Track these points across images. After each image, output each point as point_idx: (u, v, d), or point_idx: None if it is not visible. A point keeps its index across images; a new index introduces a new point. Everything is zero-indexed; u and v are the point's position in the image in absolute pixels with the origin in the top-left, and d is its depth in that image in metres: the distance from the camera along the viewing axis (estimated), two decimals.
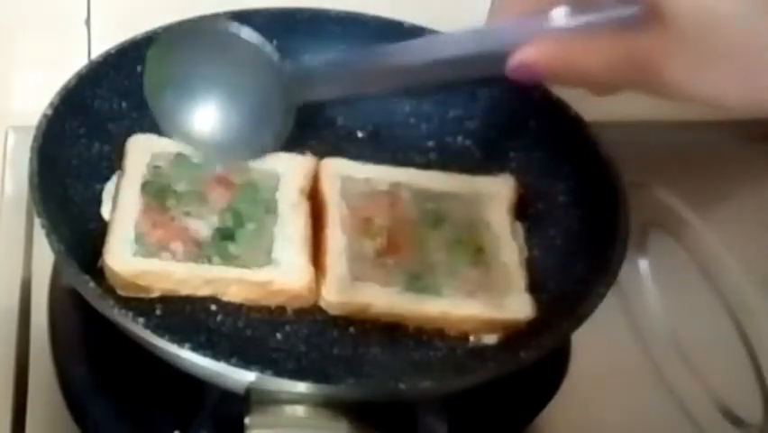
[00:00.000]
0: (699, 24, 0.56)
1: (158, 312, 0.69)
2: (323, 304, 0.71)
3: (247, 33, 0.71)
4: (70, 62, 0.77)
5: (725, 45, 0.56)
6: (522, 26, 0.63)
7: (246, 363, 0.61)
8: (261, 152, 0.75)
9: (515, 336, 0.70)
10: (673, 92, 0.58)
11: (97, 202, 0.74)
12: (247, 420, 0.61)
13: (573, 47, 0.61)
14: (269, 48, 0.71)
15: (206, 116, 0.73)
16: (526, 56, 0.62)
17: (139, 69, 0.77)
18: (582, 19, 0.62)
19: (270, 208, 0.74)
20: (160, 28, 0.78)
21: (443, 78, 0.71)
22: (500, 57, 0.63)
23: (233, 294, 0.70)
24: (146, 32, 0.78)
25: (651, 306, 0.83)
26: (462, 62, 0.66)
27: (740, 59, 0.56)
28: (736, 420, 0.77)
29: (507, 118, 0.80)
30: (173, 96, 0.73)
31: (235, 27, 0.71)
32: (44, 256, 0.75)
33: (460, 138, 0.81)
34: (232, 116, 0.73)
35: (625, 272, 0.70)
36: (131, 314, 0.62)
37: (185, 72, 0.73)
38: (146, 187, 0.73)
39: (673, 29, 0.57)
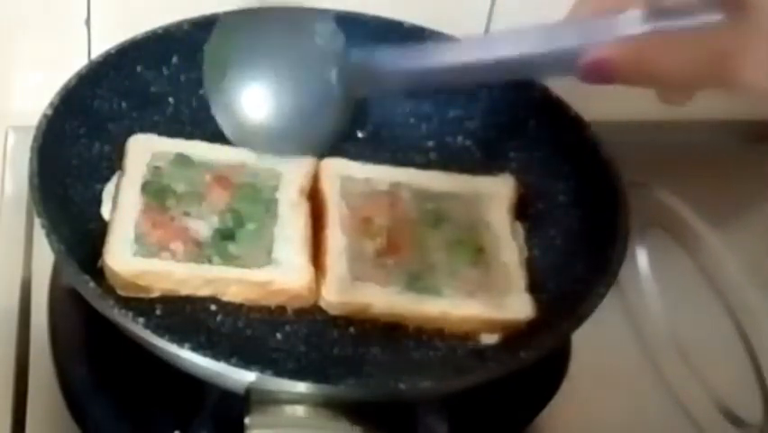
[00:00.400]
0: None
1: (158, 312, 0.69)
2: (323, 304, 0.71)
3: (316, 22, 0.69)
4: (70, 62, 0.77)
5: None
6: (596, 25, 0.61)
7: (246, 363, 0.61)
8: (318, 146, 0.75)
9: (515, 336, 0.70)
10: (752, 88, 0.57)
11: (97, 202, 0.74)
12: (247, 420, 0.61)
13: (650, 46, 0.60)
14: (335, 37, 0.70)
15: (265, 106, 0.73)
16: (602, 54, 0.60)
17: (139, 68, 0.78)
18: (659, 24, 0.60)
19: (270, 208, 0.74)
20: (160, 28, 0.78)
21: (508, 75, 0.69)
22: (572, 56, 0.61)
23: (233, 294, 0.70)
24: (146, 32, 0.78)
25: (651, 306, 0.83)
26: (531, 61, 0.64)
27: None
28: (735, 420, 0.77)
29: (508, 118, 0.80)
30: (232, 82, 0.73)
31: (305, 14, 0.70)
32: (44, 256, 0.75)
33: (460, 138, 0.81)
34: (291, 107, 0.72)
35: (625, 272, 0.70)
36: (131, 314, 0.62)
37: (246, 59, 0.72)
38: (146, 187, 0.73)
39: (754, 23, 0.55)
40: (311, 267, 0.71)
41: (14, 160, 0.87)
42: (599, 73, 0.60)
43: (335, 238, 0.73)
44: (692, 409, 0.77)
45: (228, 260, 0.70)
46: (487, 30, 0.90)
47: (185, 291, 0.70)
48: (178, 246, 0.70)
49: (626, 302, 0.82)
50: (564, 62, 0.61)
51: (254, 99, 0.73)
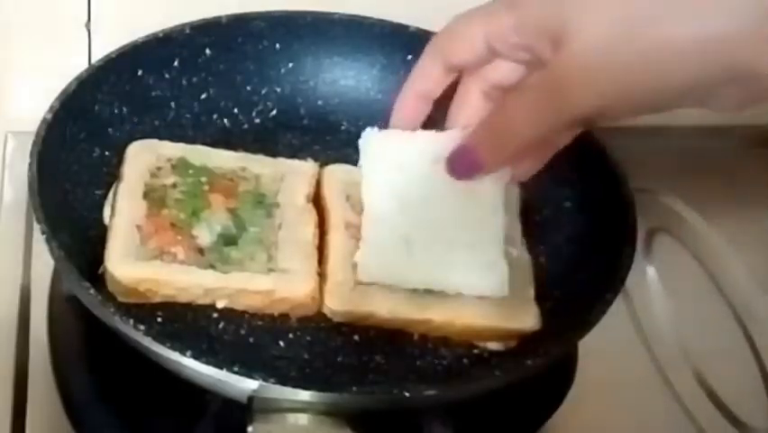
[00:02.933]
0: (598, 36, 0.59)
1: (159, 319, 0.69)
2: (326, 311, 0.70)
3: None
4: (70, 67, 0.76)
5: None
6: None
7: (249, 370, 0.60)
8: None
9: (521, 343, 0.70)
10: (586, 108, 0.61)
11: (98, 208, 0.73)
12: (250, 429, 0.60)
13: (494, 115, 0.65)
14: None
15: None
16: (461, 142, 0.66)
17: (140, 73, 0.77)
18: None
19: (273, 214, 0.73)
20: (161, 32, 0.78)
21: None
22: None
23: (236, 302, 0.69)
24: (147, 36, 0.78)
25: (658, 312, 0.83)
26: None
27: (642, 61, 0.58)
28: (742, 427, 0.78)
29: None
30: None
31: None
32: (44, 263, 0.75)
33: None
34: None
35: (631, 278, 0.70)
36: (132, 321, 0.62)
37: None
38: (147, 192, 0.73)
39: (577, 55, 0.60)
40: (315, 275, 0.70)
41: (14, 165, 0.87)
42: (471, 163, 0.66)
43: (338, 245, 0.72)
44: (699, 415, 0.78)
45: (230, 266, 0.70)
46: None
47: (186, 298, 0.69)
48: (179, 252, 0.70)
49: (634, 309, 0.82)
50: None
51: None
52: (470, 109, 0.71)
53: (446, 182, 0.70)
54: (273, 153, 0.78)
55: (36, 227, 0.67)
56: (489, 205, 0.72)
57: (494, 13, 0.65)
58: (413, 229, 0.71)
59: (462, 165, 0.67)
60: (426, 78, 0.70)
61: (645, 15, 0.58)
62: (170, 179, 0.74)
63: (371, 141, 0.74)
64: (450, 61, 0.69)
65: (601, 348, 0.72)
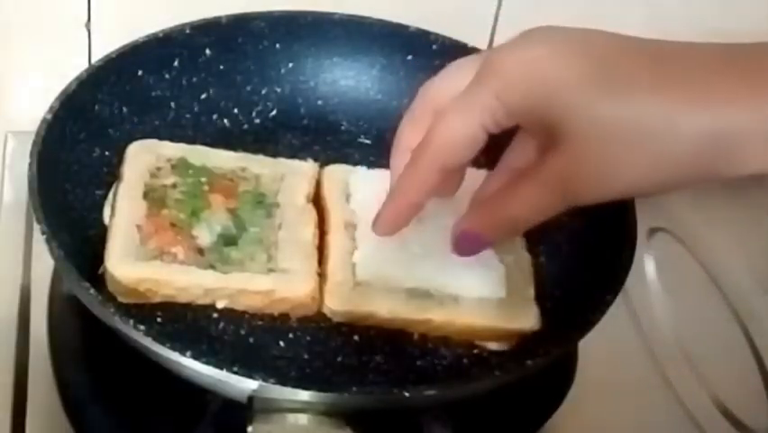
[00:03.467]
0: (594, 136, 0.58)
1: (159, 319, 0.69)
2: (326, 311, 0.70)
3: None
4: (71, 66, 0.76)
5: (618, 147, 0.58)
6: None
7: (249, 371, 0.60)
8: None
9: (521, 343, 0.70)
10: (592, 200, 0.61)
11: (98, 208, 0.73)
12: (250, 429, 0.60)
13: (499, 200, 0.64)
14: None
15: None
16: (464, 226, 0.65)
17: (140, 73, 0.77)
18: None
19: (273, 214, 0.73)
20: (161, 32, 0.77)
21: None
22: None
23: (236, 302, 0.69)
24: (147, 36, 0.77)
25: (657, 311, 0.83)
26: None
27: (632, 153, 0.58)
28: (742, 427, 0.77)
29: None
30: None
31: None
32: (44, 263, 0.75)
33: None
34: None
35: (631, 278, 0.69)
36: (132, 321, 0.62)
37: None
38: (147, 192, 0.73)
39: (576, 150, 0.59)
40: (315, 275, 0.70)
41: (14, 165, 0.87)
42: (474, 242, 0.65)
43: (338, 245, 0.72)
44: (699, 416, 0.77)
45: (230, 266, 0.70)
46: (492, 32, 0.90)
47: (186, 299, 0.69)
48: (179, 252, 0.70)
49: (634, 309, 0.82)
50: None
51: None
52: None
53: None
54: (273, 153, 0.78)
55: (36, 227, 0.67)
56: None
57: (486, 103, 0.62)
58: (410, 232, 0.71)
59: (466, 245, 0.65)
60: (421, 189, 0.66)
61: (650, 126, 0.58)
62: (170, 180, 0.74)
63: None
64: (449, 167, 0.65)
65: (601, 348, 0.72)
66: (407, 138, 0.66)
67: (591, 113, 0.58)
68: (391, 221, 0.67)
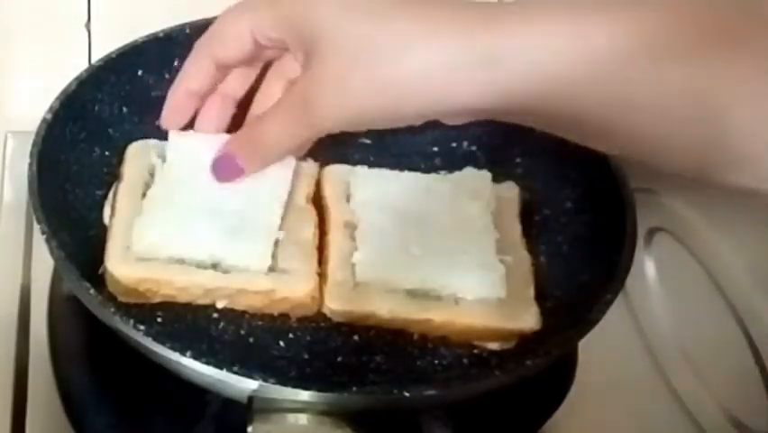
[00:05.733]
0: (333, 53, 0.63)
1: (159, 319, 0.69)
2: (326, 311, 0.70)
3: None
4: (70, 66, 0.76)
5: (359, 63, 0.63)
6: None
7: (249, 371, 0.60)
8: None
9: (521, 343, 0.70)
10: (337, 125, 0.65)
11: (98, 208, 0.73)
12: (250, 429, 0.60)
13: (254, 126, 0.69)
14: None
15: None
16: (224, 150, 0.69)
17: (140, 73, 0.77)
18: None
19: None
20: (161, 31, 0.77)
21: None
22: None
23: (236, 302, 0.69)
24: (147, 36, 0.77)
25: (658, 312, 0.83)
26: None
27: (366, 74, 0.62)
28: (743, 428, 0.77)
29: (513, 123, 0.79)
30: None
31: None
32: (44, 263, 0.75)
33: (465, 143, 0.81)
34: None
35: (631, 278, 0.69)
36: (132, 321, 0.62)
37: None
38: (146, 192, 0.72)
39: (324, 65, 0.63)
40: (315, 275, 0.70)
41: (14, 165, 0.87)
42: (231, 168, 0.69)
43: (338, 245, 0.72)
44: (699, 416, 0.77)
45: (231, 266, 0.69)
46: None
47: (186, 298, 0.69)
48: None
49: (634, 308, 0.82)
50: None
51: None
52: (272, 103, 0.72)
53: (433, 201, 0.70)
54: None
55: (36, 227, 0.67)
56: (479, 222, 0.73)
57: (257, 9, 0.68)
58: (408, 233, 0.71)
59: (224, 170, 0.70)
60: (196, 75, 0.72)
61: (383, 50, 0.62)
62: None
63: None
64: (219, 59, 0.71)
65: (601, 348, 0.72)
66: (186, 84, 0.73)
67: (339, 31, 0.62)
68: (173, 109, 0.72)
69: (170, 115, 0.73)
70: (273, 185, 0.72)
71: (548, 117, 0.62)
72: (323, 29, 0.63)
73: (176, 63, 0.78)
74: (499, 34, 0.60)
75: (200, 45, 0.71)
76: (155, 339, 0.61)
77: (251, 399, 0.61)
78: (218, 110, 0.74)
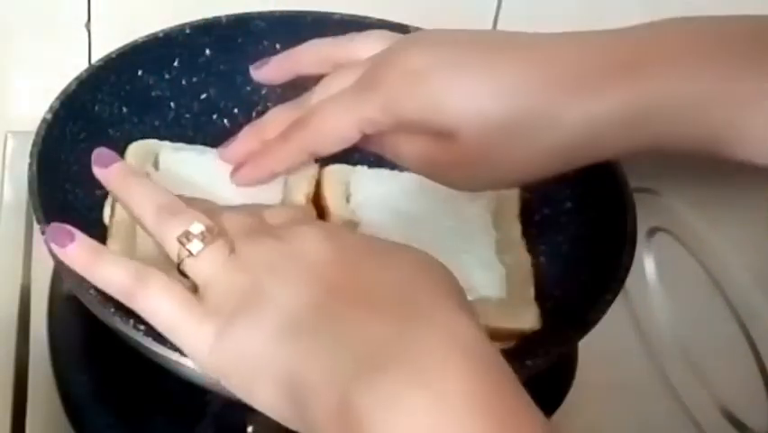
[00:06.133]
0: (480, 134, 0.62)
1: None
2: None
3: None
4: (71, 66, 0.76)
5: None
6: None
7: None
8: None
9: (521, 343, 0.70)
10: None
11: (98, 208, 0.73)
12: (250, 429, 0.60)
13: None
14: None
15: None
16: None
17: (140, 73, 0.77)
18: None
19: None
20: (161, 32, 0.77)
21: None
22: None
23: None
24: (147, 36, 0.77)
25: (658, 312, 0.83)
26: None
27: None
28: (742, 427, 0.77)
29: None
30: None
31: None
32: (44, 263, 0.74)
33: None
34: None
35: (631, 278, 0.69)
36: (132, 321, 0.62)
37: None
38: None
39: (461, 149, 0.63)
40: None
41: (14, 165, 0.87)
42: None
43: None
44: (699, 416, 0.77)
45: None
46: None
47: None
48: None
49: (633, 309, 0.82)
50: None
51: None
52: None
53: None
54: None
55: (36, 227, 0.66)
56: (479, 222, 0.73)
57: (365, 102, 0.66)
58: (408, 233, 0.71)
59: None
60: (285, 162, 0.71)
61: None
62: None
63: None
64: (316, 154, 0.70)
65: (601, 348, 0.72)
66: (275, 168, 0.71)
67: (480, 116, 0.62)
68: (250, 179, 0.71)
69: (245, 181, 0.72)
70: (269, 186, 0.71)
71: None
72: (462, 116, 0.63)
73: (176, 63, 0.78)
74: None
75: (300, 140, 0.69)
76: (155, 339, 0.61)
77: None
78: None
